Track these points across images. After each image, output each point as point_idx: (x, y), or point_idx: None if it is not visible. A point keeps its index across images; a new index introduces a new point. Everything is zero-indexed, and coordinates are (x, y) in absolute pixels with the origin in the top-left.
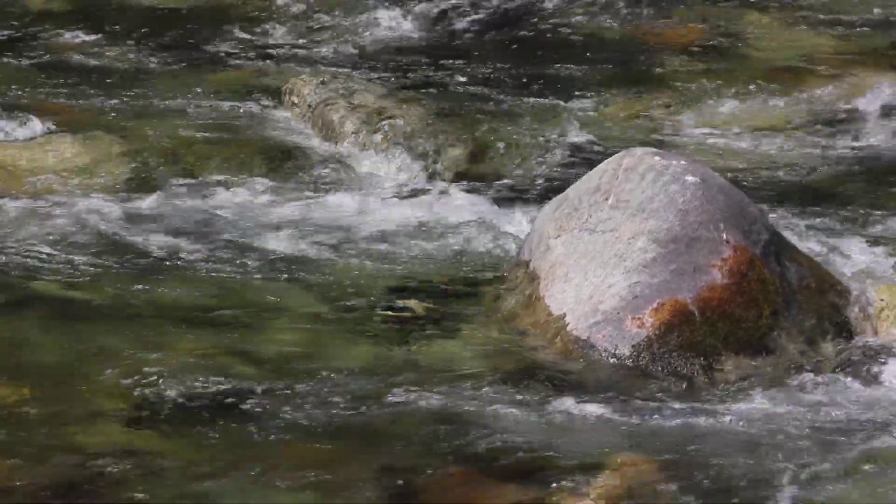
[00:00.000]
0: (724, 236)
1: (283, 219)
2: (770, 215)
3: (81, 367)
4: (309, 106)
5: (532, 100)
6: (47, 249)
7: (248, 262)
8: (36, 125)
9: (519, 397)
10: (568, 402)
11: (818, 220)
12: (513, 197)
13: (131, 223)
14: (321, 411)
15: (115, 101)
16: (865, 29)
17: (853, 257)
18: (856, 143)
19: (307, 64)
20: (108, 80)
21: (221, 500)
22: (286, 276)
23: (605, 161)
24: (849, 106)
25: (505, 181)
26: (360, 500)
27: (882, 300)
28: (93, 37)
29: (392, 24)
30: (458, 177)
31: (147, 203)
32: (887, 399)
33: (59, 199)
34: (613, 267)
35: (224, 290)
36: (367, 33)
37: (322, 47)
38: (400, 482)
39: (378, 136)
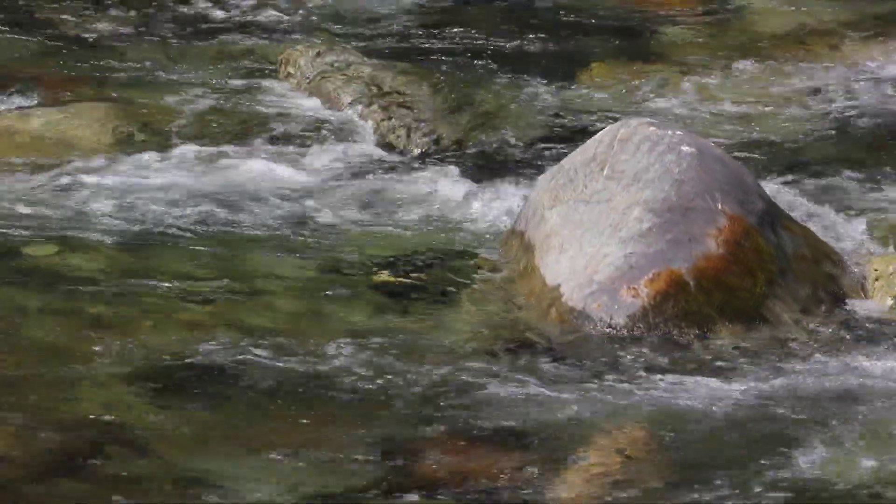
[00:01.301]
0: (720, 206)
1: (277, 188)
2: (765, 185)
3: (75, 335)
4: (305, 76)
5: (528, 70)
6: (41, 218)
7: (243, 231)
8: (31, 94)
9: (513, 367)
10: (562, 372)
11: (813, 189)
12: (508, 167)
13: (125, 192)
14: (314, 381)
15: (111, 71)
16: (861, 0)
17: (848, 227)
18: (851, 114)
19: (303, 34)
20: (103, 51)
21: (215, 468)
22: (280, 245)
23: (601, 131)
24: (844, 76)
25: (501, 151)
26: (353, 469)
27: (876, 270)
28: (89, 8)
29: None
30: (454, 146)
31: (142, 172)
32: (881, 368)
33: (53, 168)
34: (609, 237)
35: (218, 259)
36: (363, 3)
37: (317, 18)
38: (393, 451)
39: (375, 107)
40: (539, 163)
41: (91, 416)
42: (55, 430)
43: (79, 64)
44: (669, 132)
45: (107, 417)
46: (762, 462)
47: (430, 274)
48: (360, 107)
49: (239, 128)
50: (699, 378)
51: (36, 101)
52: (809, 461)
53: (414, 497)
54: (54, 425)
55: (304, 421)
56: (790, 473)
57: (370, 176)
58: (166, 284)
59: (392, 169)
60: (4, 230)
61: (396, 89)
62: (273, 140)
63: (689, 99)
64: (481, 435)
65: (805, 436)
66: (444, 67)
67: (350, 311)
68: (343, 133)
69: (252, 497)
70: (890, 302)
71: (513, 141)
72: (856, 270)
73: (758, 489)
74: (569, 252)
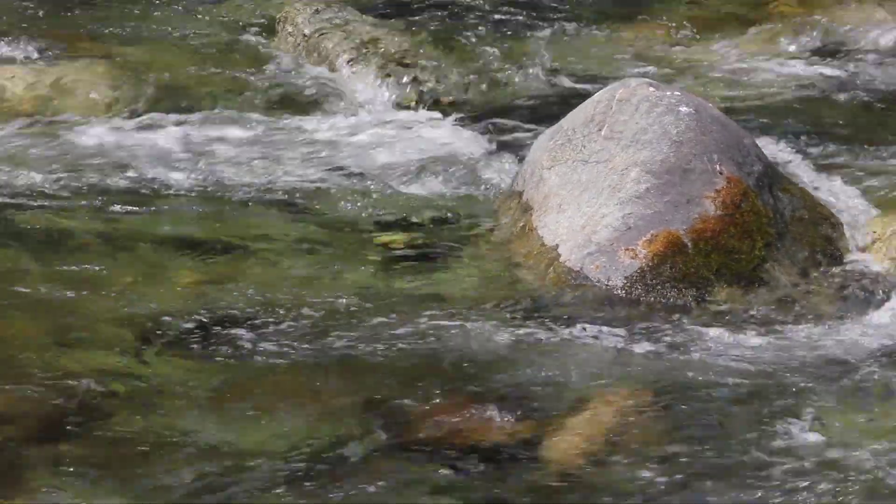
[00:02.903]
0: (718, 167)
1: (275, 148)
2: (764, 146)
3: (71, 295)
4: (303, 35)
5: (527, 30)
6: (38, 176)
7: (240, 191)
8: (30, 50)
9: (511, 328)
10: (560, 333)
11: (811, 151)
12: (507, 127)
13: (124, 151)
14: (311, 341)
15: (110, 29)
16: None
17: (846, 189)
18: (849, 75)
19: None
20: (102, 10)
21: (211, 428)
22: (278, 205)
23: (599, 92)
24: (843, 38)
25: (499, 111)
26: (350, 429)
27: (874, 232)
28: None
29: None
30: (452, 106)
31: (140, 131)
32: (880, 330)
33: (51, 125)
34: (607, 198)
35: (216, 219)
36: None
37: None
38: (390, 412)
39: (372, 66)
40: (538, 122)
41: (87, 377)
42: (51, 390)
43: (75, 21)
44: (668, 93)
45: (103, 378)
46: (760, 423)
47: (428, 234)
48: (358, 65)
49: (237, 87)
50: (696, 340)
51: (31, 58)
52: (808, 422)
53: (411, 455)
54: (50, 386)
55: (302, 379)
56: (788, 434)
57: (368, 135)
58: (163, 244)
59: (391, 128)
60: None
61: (394, 46)
62: (270, 99)
63: (688, 59)
64: (479, 394)
65: (803, 397)
66: (442, 25)
67: (348, 270)
68: (341, 92)
69: (249, 454)
70: (888, 263)
71: (512, 100)
72: (854, 232)
73: (755, 450)
74: (567, 212)
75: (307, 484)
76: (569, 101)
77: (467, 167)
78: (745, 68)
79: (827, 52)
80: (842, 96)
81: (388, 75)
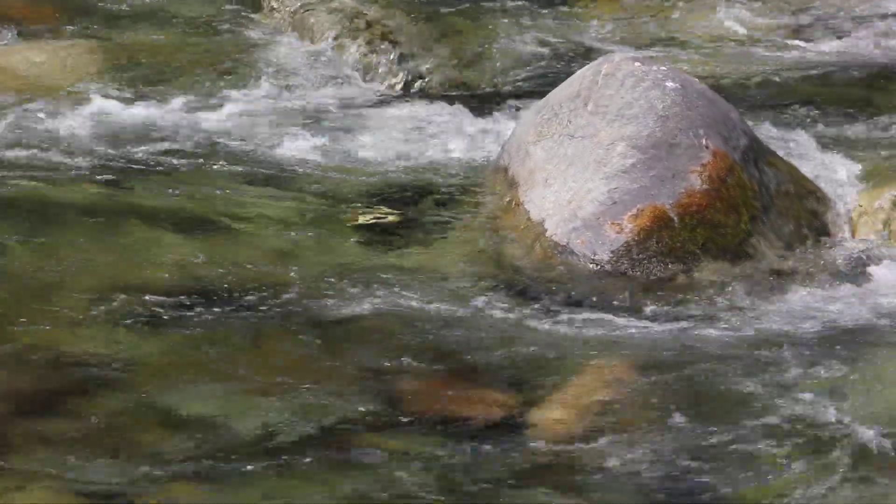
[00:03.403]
0: (704, 142)
1: (258, 125)
2: (750, 121)
3: (57, 272)
4: (288, 10)
5: (513, 6)
6: (22, 153)
7: (226, 167)
8: (11, 30)
9: (497, 303)
10: (547, 308)
11: (798, 125)
12: (493, 102)
13: (108, 129)
14: (299, 317)
15: (91, 5)
16: None
17: (833, 163)
18: (835, 50)
19: None
20: None
21: (200, 404)
22: (265, 180)
23: (586, 67)
24: (829, 12)
25: (485, 86)
26: (338, 404)
27: (860, 206)
28: None
29: None
30: (439, 80)
31: (124, 109)
32: (865, 303)
33: (34, 103)
34: (593, 172)
35: (199, 196)
36: None
37: None
38: (377, 387)
39: (359, 41)
40: (524, 97)
41: (74, 353)
42: (32, 365)
43: (58, 1)
44: (654, 67)
45: (90, 354)
46: (745, 395)
47: (414, 209)
48: (343, 40)
49: (220, 63)
50: (682, 313)
51: (17, 37)
52: (792, 395)
53: (397, 430)
54: (38, 363)
55: (288, 355)
56: (773, 407)
57: (354, 110)
58: (146, 220)
59: (376, 103)
60: None
61: (380, 21)
62: (254, 75)
63: (674, 34)
64: (465, 368)
65: (787, 369)
66: (428, 1)
67: (334, 246)
68: (326, 67)
69: (237, 431)
70: (874, 237)
71: (498, 75)
72: (840, 206)
73: (741, 422)
74: (553, 187)
75: (290, 458)
76: (555, 76)
77: (453, 142)
78: (731, 43)
79: (814, 27)
80: (828, 71)
81: (374, 51)
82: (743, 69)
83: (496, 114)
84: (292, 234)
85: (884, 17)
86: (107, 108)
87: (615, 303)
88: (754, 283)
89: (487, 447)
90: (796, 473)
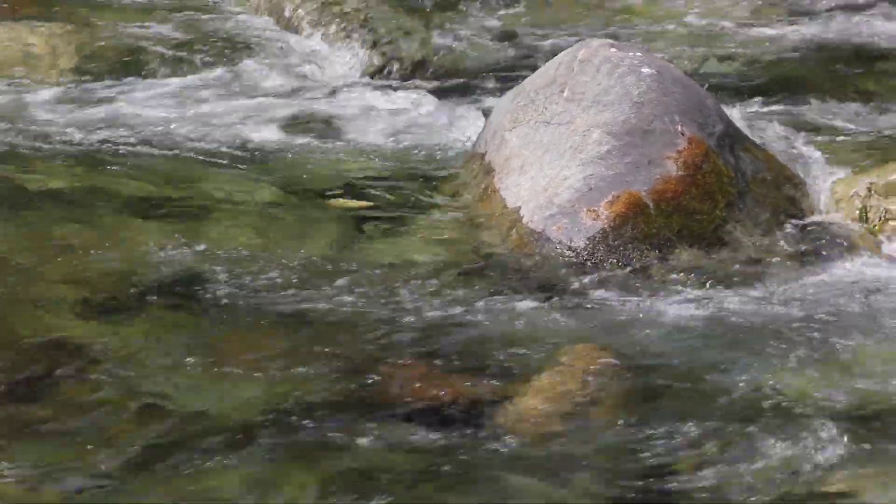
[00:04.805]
0: (680, 128)
1: (235, 111)
2: (727, 107)
3: (32, 255)
4: None
5: None
6: None
7: (200, 154)
8: None
9: (474, 290)
10: (523, 295)
11: (775, 112)
12: (469, 89)
13: (83, 113)
14: (275, 304)
15: None
16: None
17: (809, 150)
18: (812, 35)
19: None
20: None
21: (175, 392)
22: (240, 167)
23: (561, 53)
24: None
25: (461, 73)
26: (314, 393)
27: (837, 192)
28: None
29: None
30: (414, 68)
31: (97, 94)
32: (841, 290)
33: (10, 88)
34: (569, 159)
35: (175, 181)
36: None
37: None
38: (353, 375)
39: (333, 27)
40: (499, 84)
41: (48, 338)
42: (12, 352)
43: None
44: (630, 54)
45: (64, 340)
46: (721, 383)
47: (389, 196)
48: (320, 27)
49: (197, 50)
50: (658, 301)
51: None
52: (769, 381)
53: (374, 418)
54: (11, 347)
55: (264, 343)
56: (750, 394)
57: (329, 97)
58: (123, 206)
59: (351, 89)
60: None
61: (355, 7)
62: (231, 60)
63: (651, 20)
64: (441, 356)
65: (764, 356)
66: None
67: (309, 233)
68: (301, 54)
69: (213, 417)
70: (850, 224)
71: (474, 62)
72: (817, 193)
73: (717, 409)
74: (529, 174)
75: (272, 444)
76: (531, 63)
77: (429, 129)
78: (708, 28)
79: (792, 11)
80: (807, 56)
81: (350, 38)
82: (719, 55)
83: (472, 100)
84: (267, 221)
85: None
86: (73, 92)
87: (591, 289)
88: (730, 269)
89: (460, 435)
90: (778, 459)
